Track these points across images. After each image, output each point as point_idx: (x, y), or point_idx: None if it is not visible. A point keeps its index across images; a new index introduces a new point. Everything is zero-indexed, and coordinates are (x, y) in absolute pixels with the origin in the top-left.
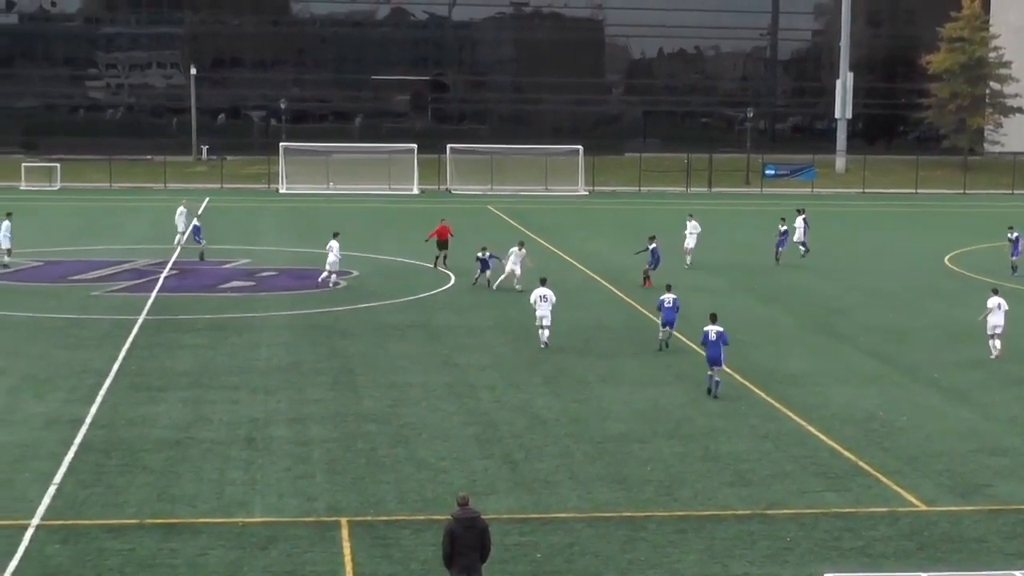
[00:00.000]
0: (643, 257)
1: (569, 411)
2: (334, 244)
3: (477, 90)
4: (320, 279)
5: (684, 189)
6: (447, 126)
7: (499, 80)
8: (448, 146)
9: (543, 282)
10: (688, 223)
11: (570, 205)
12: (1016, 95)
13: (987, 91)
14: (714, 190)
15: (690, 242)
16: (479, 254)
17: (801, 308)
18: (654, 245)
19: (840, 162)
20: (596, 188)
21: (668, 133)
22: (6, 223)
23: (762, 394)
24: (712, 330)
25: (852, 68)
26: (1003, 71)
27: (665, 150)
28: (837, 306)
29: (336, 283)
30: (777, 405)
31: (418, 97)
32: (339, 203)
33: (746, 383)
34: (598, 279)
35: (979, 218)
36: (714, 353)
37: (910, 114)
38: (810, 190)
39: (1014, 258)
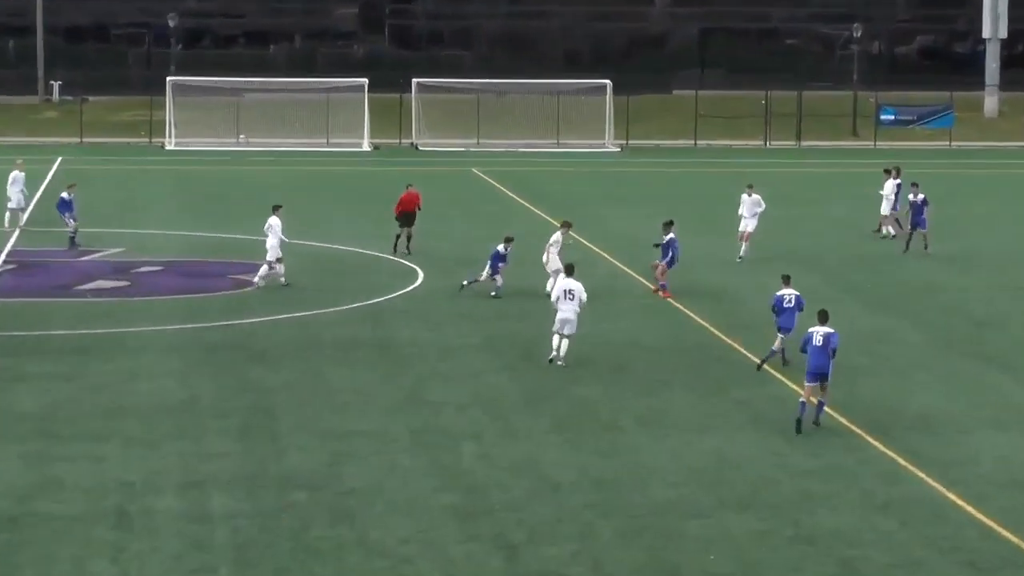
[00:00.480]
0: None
1: (592, 470)
2: (274, 223)
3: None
4: (257, 277)
5: (762, 143)
6: (413, 52)
7: None
8: (415, 81)
9: (570, 271)
10: (745, 198)
11: (593, 167)
12: None
13: None
14: (805, 144)
15: (748, 225)
16: (500, 247)
17: (934, 318)
18: (671, 235)
19: (991, 102)
20: (631, 142)
21: (737, 61)
22: None
23: (879, 445)
24: (818, 332)
25: None
26: None
27: (732, 86)
28: (987, 315)
29: (261, 278)
30: (901, 461)
31: (370, 10)
32: (254, 165)
33: (855, 428)
34: (633, 275)
35: None
36: (819, 363)
37: None
38: (947, 143)
39: None
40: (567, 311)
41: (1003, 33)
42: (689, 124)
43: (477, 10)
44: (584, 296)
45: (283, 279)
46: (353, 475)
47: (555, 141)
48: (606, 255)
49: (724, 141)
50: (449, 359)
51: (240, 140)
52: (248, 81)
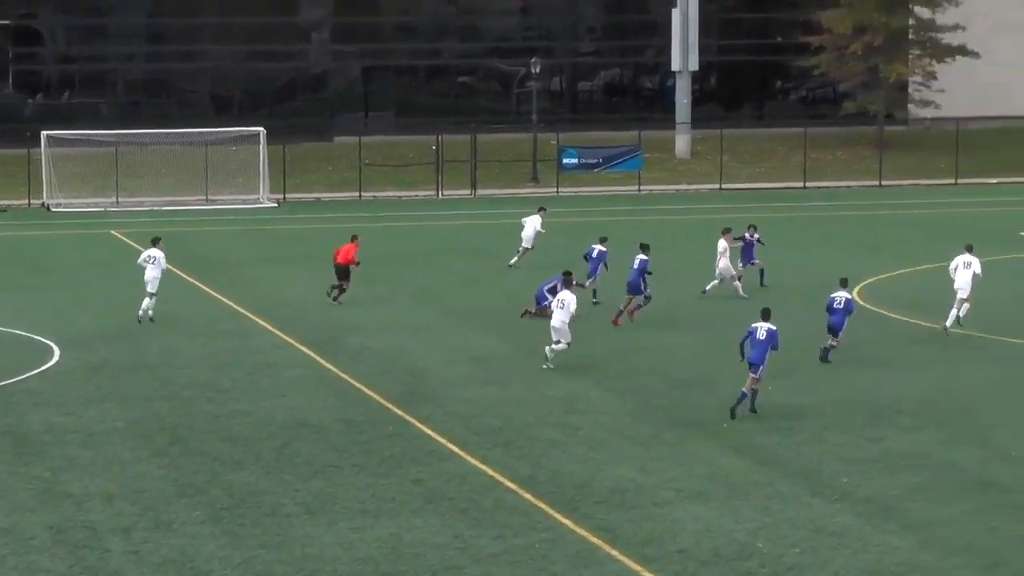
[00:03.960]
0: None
1: (255, 564)
2: (157, 254)
3: (91, 41)
4: (144, 311)
5: (435, 194)
6: (42, 102)
7: (126, 23)
8: (44, 134)
9: (567, 283)
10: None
11: (248, 225)
12: (956, 26)
13: (911, 22)
14: (481, 193)
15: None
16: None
17: (633, 381)
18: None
19: (682, 141)
20: (289, 196)
21: (405, 103)
22: None
23: (568, 523)
24: (761, 327)
25: None
26: None
27: (400, 131)
28: (692, 376)
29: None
30: (593, 539)
31: None
32: None
33: (541, 505)
34: (295, 344)
35: (905, 224)
36: (758, 354)
37: (791, 62)
38: (636, 188)
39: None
40: (555, 319)
41: (694, 65)
42: (353, 174)
43: (114, 51)
44: (573, 308)
45: (150, 312)
46: None
47: (204, 197)
48: (264, 323)
49: (392, 192)
50: (91, 447)
51: None
52: None
